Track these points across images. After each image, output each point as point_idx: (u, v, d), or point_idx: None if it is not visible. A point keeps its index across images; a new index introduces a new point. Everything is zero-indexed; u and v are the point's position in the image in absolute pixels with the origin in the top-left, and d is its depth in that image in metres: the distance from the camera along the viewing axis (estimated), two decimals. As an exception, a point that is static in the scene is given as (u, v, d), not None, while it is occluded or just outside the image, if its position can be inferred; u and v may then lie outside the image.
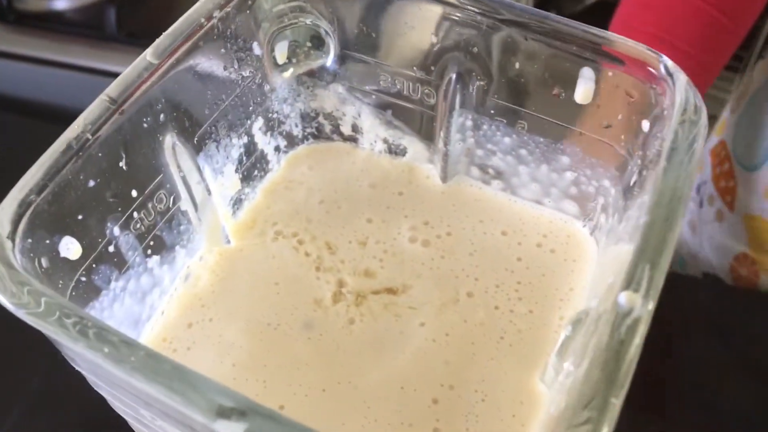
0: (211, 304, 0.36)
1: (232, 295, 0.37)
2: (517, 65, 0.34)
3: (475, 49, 0.35)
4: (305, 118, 0.42)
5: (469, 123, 0.38)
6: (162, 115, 0.32)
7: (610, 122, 0.33)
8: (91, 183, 0.29)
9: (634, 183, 0.33)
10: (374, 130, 0.42)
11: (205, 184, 0.36)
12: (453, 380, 0.34)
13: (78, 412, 0.40)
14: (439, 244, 0.39)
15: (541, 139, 0.36)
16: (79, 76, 0.58)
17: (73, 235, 0.29)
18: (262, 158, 0.41)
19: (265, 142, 0.41)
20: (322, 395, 0.33)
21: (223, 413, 0.22)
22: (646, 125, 0.32)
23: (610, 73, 0.32)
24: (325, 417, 0.33)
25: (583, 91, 0.33)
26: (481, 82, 0.36)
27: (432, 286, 0.37)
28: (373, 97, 0.40)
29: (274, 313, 0.36)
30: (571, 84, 0.34)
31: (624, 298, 0.24)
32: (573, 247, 0.38)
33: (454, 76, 0.36)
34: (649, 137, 0.32)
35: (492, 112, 0.37)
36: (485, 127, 0.38)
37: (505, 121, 0.37)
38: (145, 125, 0.32)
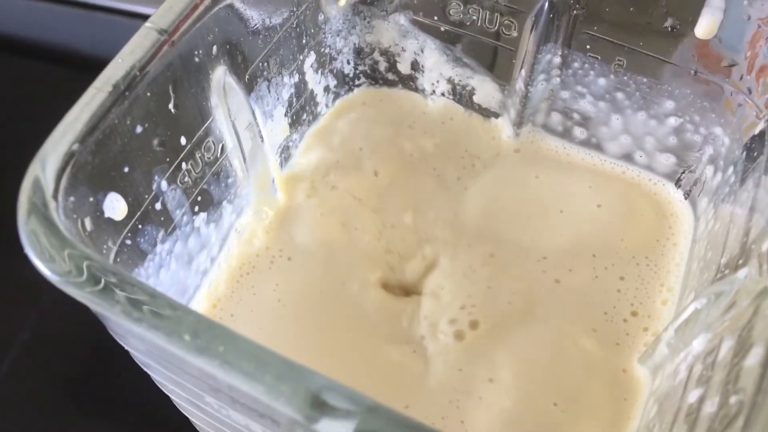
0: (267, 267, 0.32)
1: (288, 257, 0.32)
2: (627, -9, 0.29)
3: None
4: (359, 53, 0.37)
5: (557, 60, 0.33)
6: (215, 48, 0.27)
7: (735, 60, 0.29)
8: (139, 129, 0.24)
9: (761, 133, 0.28)
10: (438, 69, 0.37)
11: (258, 129, 0.31)
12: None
13: (69, 364, 0.39)
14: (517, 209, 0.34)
15: (644, 80, 0.32)
16: (93, 15, 0.52)
17: (118, 191, 0.24)
18: (312, 100, 0.36)
19: (315, 82, 0.36)
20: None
21: (327, 410, 0.18)
22: (784, 64, 0.27)
23: (745, 2, 0.27)
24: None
25: (708, 23, 0.28)
26: (578, 12, 0.31)
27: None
28: (441, 29, 0.35)
29: (338, 273, 0.32)
30: (690, 14, 0.29)
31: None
32: (663, 209, 0.34)
33: (546, 3, 0.31)
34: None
35: (587, 47, 0.32)
36: (576, 65, 0.33)
37: (599, 57, 0.32)
38: (196, 59, 0.26)
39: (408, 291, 0.32)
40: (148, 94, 0.24)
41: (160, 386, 0.27)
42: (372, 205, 0.34)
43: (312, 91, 0.36)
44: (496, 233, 0.33)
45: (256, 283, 0.32)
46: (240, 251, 0.32)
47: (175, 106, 0.26)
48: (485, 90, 0.36)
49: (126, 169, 0.24)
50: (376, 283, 0.32)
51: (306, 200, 0.34)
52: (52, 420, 0.37)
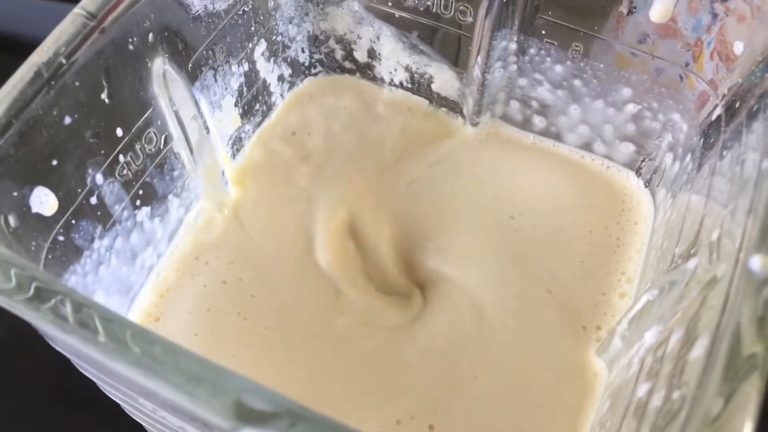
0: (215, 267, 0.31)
1: (240, 248, 0.32)
2: (580, -26, 0.29)
3: (526, -44, 0.29)
4: (314, 41, 0.36)
5: (513, 46, 0.32)
6: (151, 35, 0.26)
7: (690, 44, 0.28)
8: (67, 120, 0.23)
9: (718, 119, 0.28)
10: (395, 56, 0.36)
11: (203, 119, 0.30)
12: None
13: (44, 364, 0.37)
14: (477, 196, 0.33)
15: (601, 66, 0.31)
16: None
17: (46, 185, 0.23)
18: (265, 90, 0.35)
19: (267, 71, 0.35)
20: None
21: (250, 416, 0.17)
22: (739, 47, 0.26)
23: (699, -16, 0.26)
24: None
25: (662, 6, 0.27)
26: (532, -4, 0.30)
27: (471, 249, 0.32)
28: (396, 16, 0.34)
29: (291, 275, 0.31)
30: (645, -3, 0.28)
31: (758, 263, 0.19)
32: (622, 196, 0.34)
33: (500, -12, 0.30)
34: (741, 62, 0.26)
35: (543, 32, 0.31)
36: (532, 51, 0.32)
37: (556, 43, 0.31)
38: (131, 47, 0.25)
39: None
40: (77, 83, 0.23)
41: (101, 388, 0.26)
42: (325, 195, 0.33)
43: (264, 81, 0.35)
44: (452, 222, 0.32)
45: (206, 273, 0.31)
46: (191, 239, 0.31)
47: (109, 96, 0.25)
48: (443, 78, 0.35)
49: (54, 162, 0.23)
50: (332, 269, 0.31)
51: (258, 192, 0.33)
52: (31, 418, 0.36)
